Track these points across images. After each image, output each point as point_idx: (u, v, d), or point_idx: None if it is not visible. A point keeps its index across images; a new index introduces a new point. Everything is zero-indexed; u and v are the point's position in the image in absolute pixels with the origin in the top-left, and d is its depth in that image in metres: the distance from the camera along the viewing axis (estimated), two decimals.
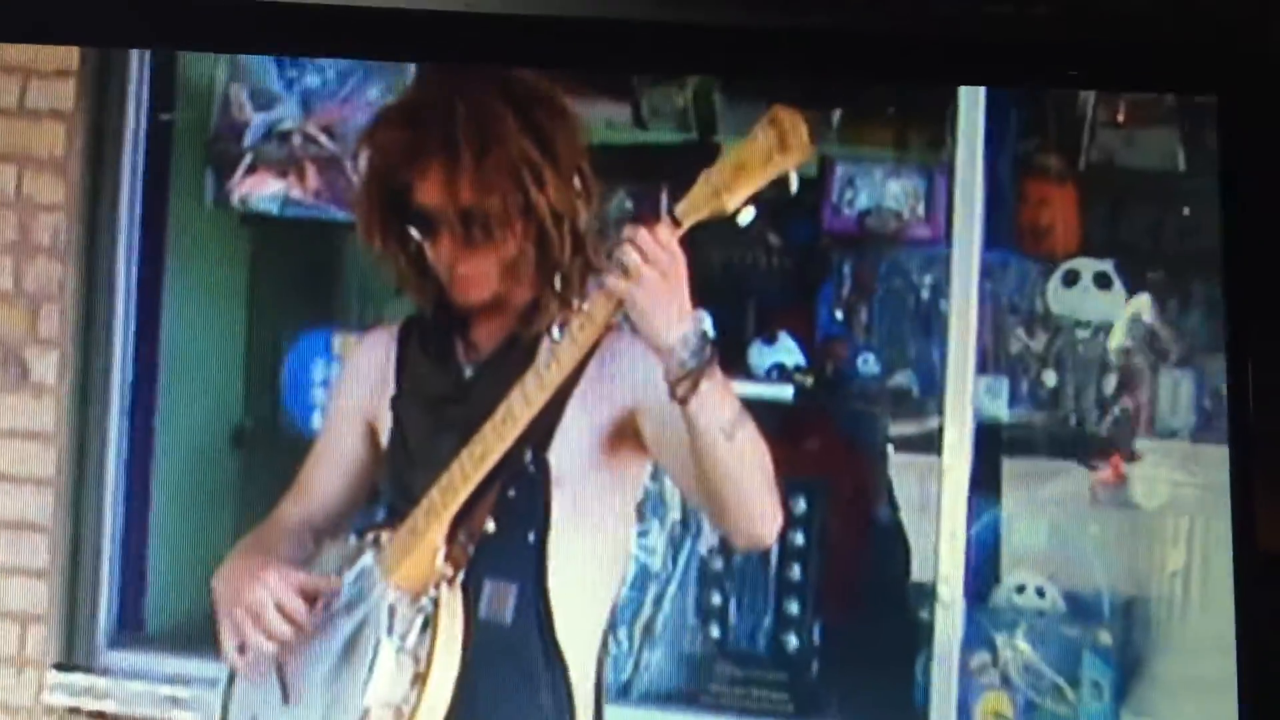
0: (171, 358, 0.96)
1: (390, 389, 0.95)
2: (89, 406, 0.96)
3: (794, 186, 0.87)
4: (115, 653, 0.97)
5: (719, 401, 0.87)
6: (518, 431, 0.88)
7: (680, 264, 0.87)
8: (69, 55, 0.94)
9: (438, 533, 0.89)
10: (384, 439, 0.94)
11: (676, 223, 0.86)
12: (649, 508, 0.97)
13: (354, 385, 0.96)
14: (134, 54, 0.95)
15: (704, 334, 0.87)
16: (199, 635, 0.92)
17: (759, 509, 0.89)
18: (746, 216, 0.87)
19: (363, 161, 0.93)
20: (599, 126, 0.99)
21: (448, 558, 0.89)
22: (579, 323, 0.88)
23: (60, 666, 0.96)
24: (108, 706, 0.94)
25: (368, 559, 0.90)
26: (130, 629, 0.97)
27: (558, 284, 0.91)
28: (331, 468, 0.95)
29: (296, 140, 0.97)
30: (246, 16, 0.88)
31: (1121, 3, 1.00)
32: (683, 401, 0.86)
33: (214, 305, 0.97)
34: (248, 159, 0.98)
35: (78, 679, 0.95)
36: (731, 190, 0.87)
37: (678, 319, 0.87)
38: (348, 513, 0.94)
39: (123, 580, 0.97)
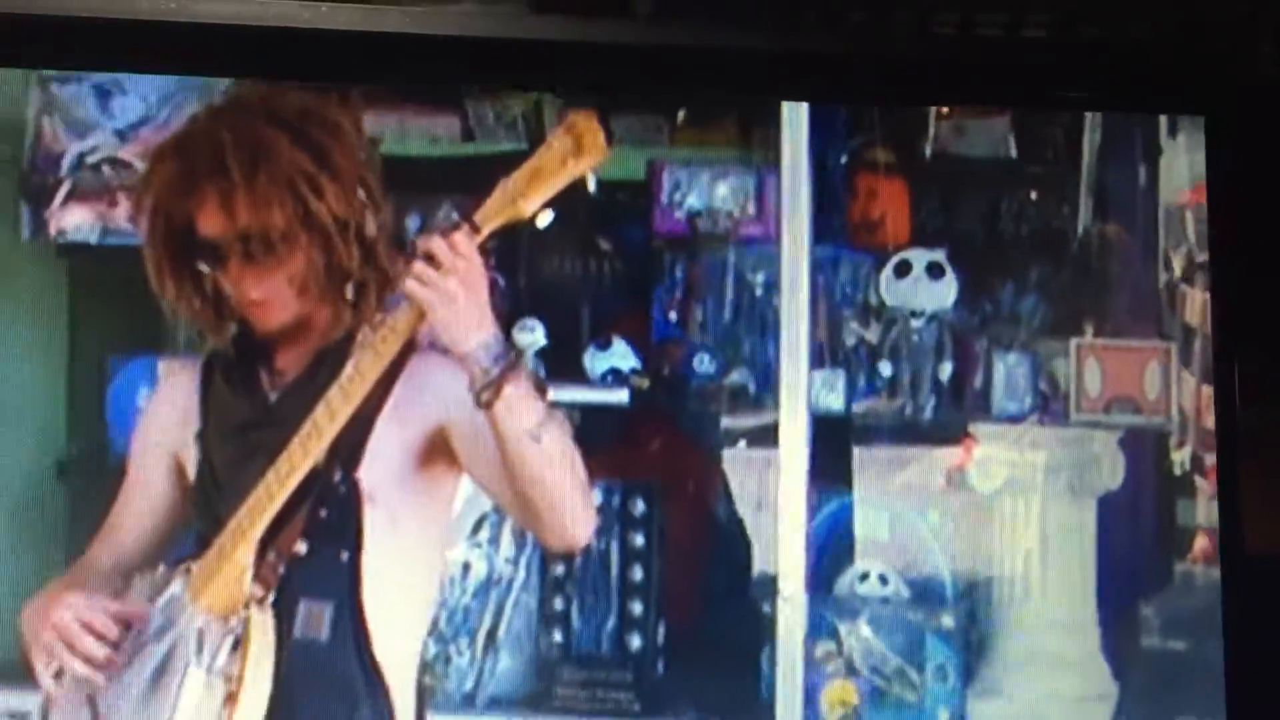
0: None
1: (195, 424, 0.95)
2: None
3: (591, 188, 0.91)
4: None
5: (524, 406, 0.88)
6: (324, 444, 0.89)
7: (478, 270, 0.88)
8: None
9: (245, 553, 0.89)
10: (191, 472, 0.94)
11: (476, 229, 0.88)
12: (489, 519, 0.98)
13: (157, 424, 0.97)
14: None
15: (505, 340, 0.89)
16: (25, 668, 0.92)
17: (570, 511, 0.91)
18: (544, 220, 0.89)
19: (142, 206, 0.93)
20: (423, 140, 1.00)
21: (256, 578, 0.90)
22: (382, 334, 0.89)
23: None
24: None
25: (176, 586, 0.91)
26: None
27: (350, 293, 0.91)
28: (139, 507, 0.95)
29: (111, 169, 0.98)
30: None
31: (1109, 24, 1.01)
32: (487, 406, 0.87)
33: (34, 337, 0.97)
34: (64, 189, 0.98)
35: None
36: (527, 196, 0.88)
37: (478, 325, 0.88)
38: (158, 551, 0.94)
39: None
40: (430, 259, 0.88)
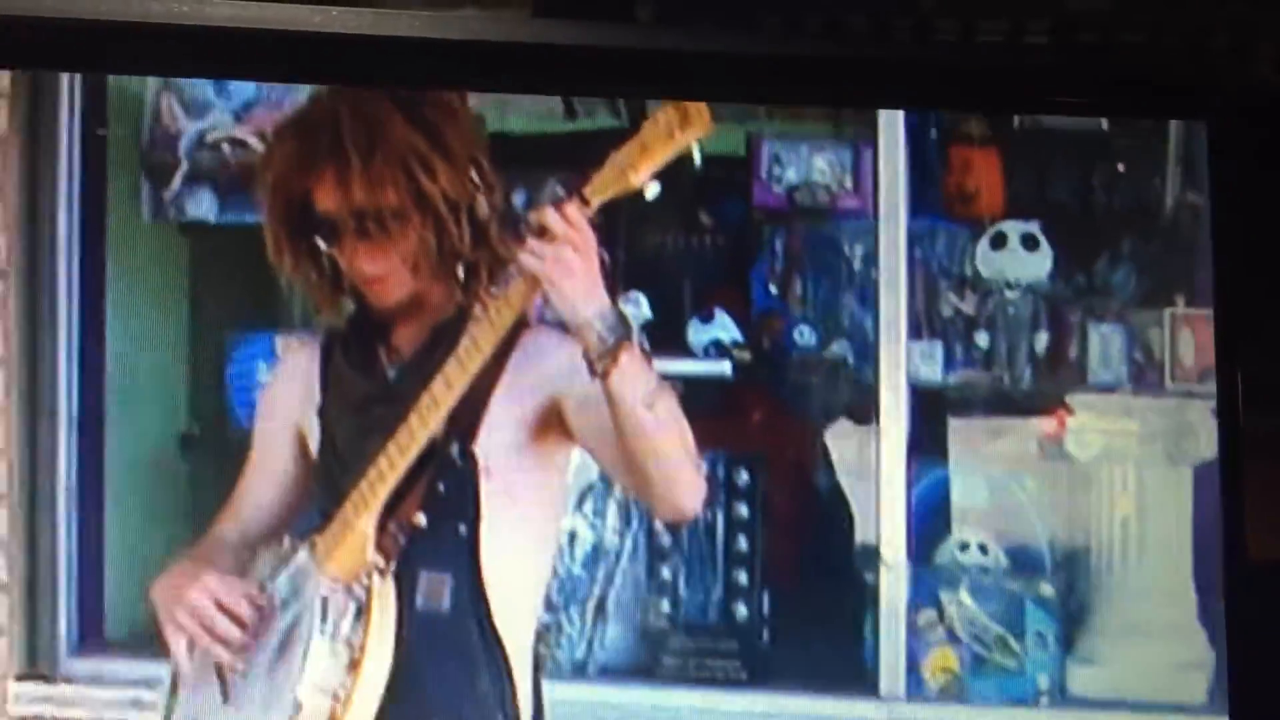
0: (117, 369, 0.98)
1: (316, 400, 0.96)
2: (38, 421, 0.98)
3: (697, 160, 0.91)
4: (76, 660, 0.99)
5: (638, 374, 0.89)
6: (441, 415, 0.90)
7: (591, 241, 0.89)
8: (1, 77, 0.95)
9: (368, 522, 0.91)
10: (313, 448, 0.96)
11: (585, 202, 0.89)
12: (596, 490, 1.00)
13: (279, 401, 0.98)
14: (65, 74, 0.97)
15: (619, 310, 0.90)
16: (156, 639, 0.93)
17: (682, 480, 0.92)
18: (652, 191, 0.89)
19: (263, 182, 0.94)
20: (526, 117, 1.02)
21: (378, 547, 0.92)
22: (496, 306, 0.90)
23: (23, 677, 0.97)
24: (71, 714, 0.97)
25: (301, 557, 0.93)
26: (90, 636, 0.99)
27: (460, 273, 0.93)
28: (264, 483, 0.97)
29: (229, 147, 0.99)
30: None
31: (1112, 31, 1.01)
32: (603, 376, 0.88)
33: (156, 315, 0.99)
34: (183, 168, 1.00)
35: (41, 688, 0.97)
36: (636, 168, 0.89)
37: (592, 295, 0.89)
38: (283, 525, 0.96)
39: (80, 589, 0.98)
40: (544, 231, 0.89)
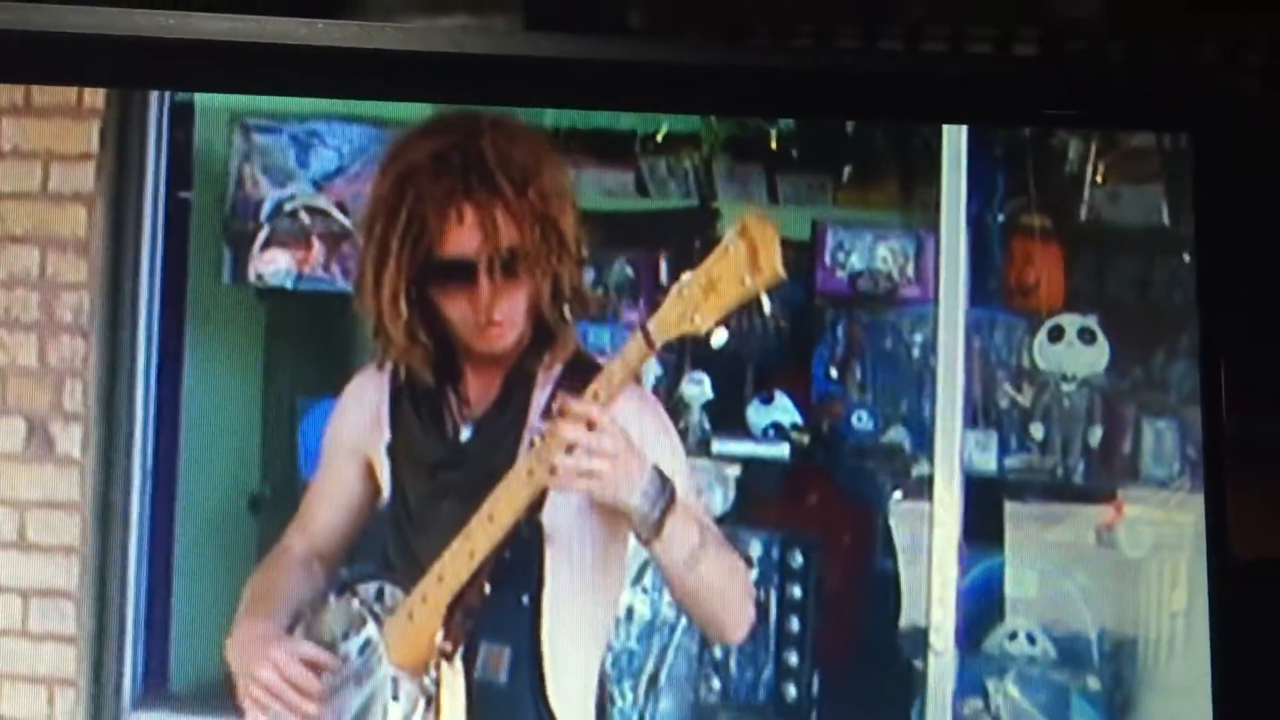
0: (191, 428, 1.00)
1: (385, 433, 0.98)
2: (112, 477, 1.00)
3: (766, 309, 0.93)
4: (140, 714, 1.01)
5: (680, 538, 0.92)
6: (505, 530, 0.93)
7: (618, 435, 0.92)
8: (89, 139, 0.99)
9: (435, 620, 0.93)
10: (382, 482, 0.99)
11: (650, 343, 0.91)
12: (653, 565, 1.01)
13: (349, 421, 1.00)
14: (151, 136, 1.00)
15: (660, 480, 0.92)
16: (220, 695, 0.97)
17: (725, 620, 0.96)
18: (719, 339, 0.93)
19: (394, 222, 0.95)
20: (598, 195, 1.04)
21: (446, 636, 0.93)
22: (536, 454, 0.92)
23: None
24: None
25: (371, 629, 0.95)
26: (155, 690, 1.01)
27: (552, 321, 0.95)
28: (332, 501, 0.99)
29: (307, 216, 1.02)
30: (255, 59, 0.92)
31: (1100, 40, 1.03)
32: (646, 544, 0.92)
33: (231, 377, 1.02)
34: (263, 235, 1.02)
35: None
36: (703, 312, 0.91)
37: (634, 482, 0.92)
38: (350, 544, 0.99)
39: (147, 644, 1.00)
40: (574, 446, 0.91)
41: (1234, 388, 0.95)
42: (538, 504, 0.95)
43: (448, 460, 0.97)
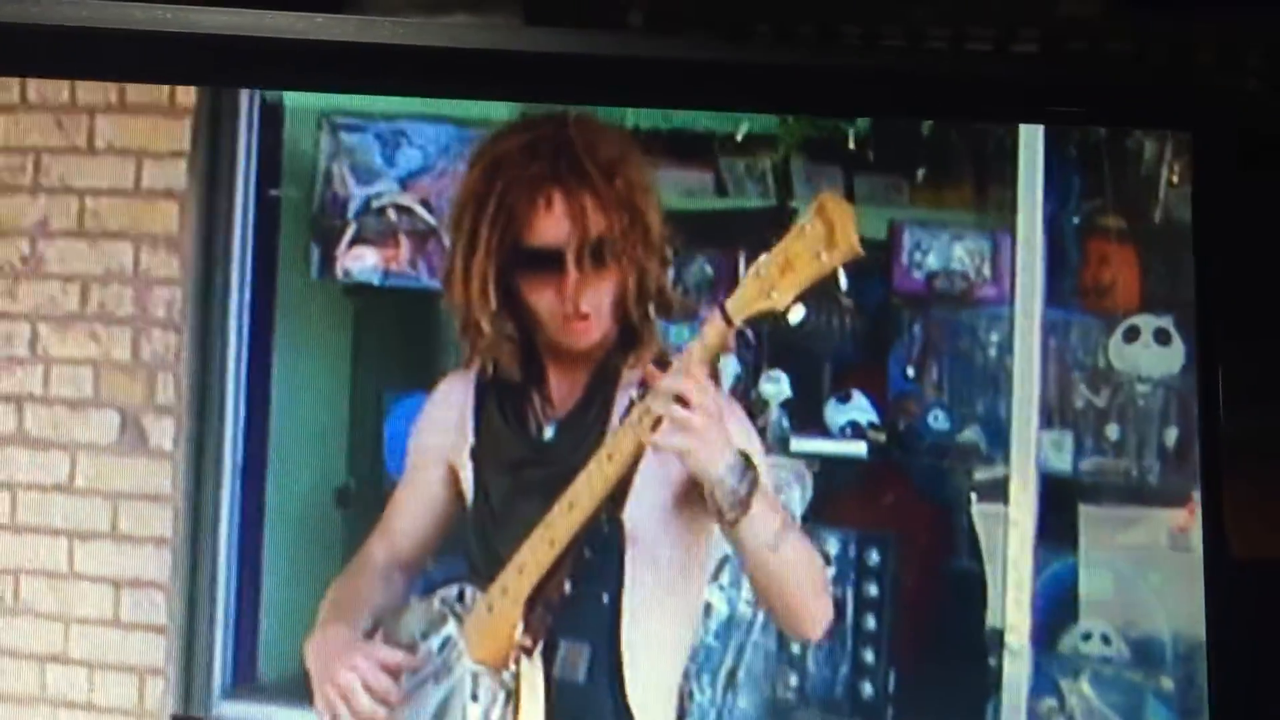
0: (280, 422, 1.02)
1: (470, 439, 0.99)
2: (203, 469, 1.02)
3: (843, 285, 0.94)
4: (230, 703, 1.02)
5: (764, 520, 0.93)
6: (585, 518, 0.93)
7: (715, 398, 0.93)
8: (181, 137, 1.01)
9: (515, 612, 0.94)
10: (466, 488, 0.99)
11: (729, 321, 0.92)
12: (731, 561, 1.02)
13: (434, 427, 1.01)
14: (242, 135, 1.02)
15: (745, 460, 0.92)
16: (309, 686, 0.99)
17: (805, 612, 0.96)
18: (797, 315, 0.94)
19: (484, 211, 0.97)
20: (679, 194, 1.05)
21: (526, 630, 0.94)
22: (636, 415, 0.93)
23: (178, 718, 1.01)
24: None
25: (451, 628, 0.96)
26: (244, 681, 1.02)
27: (636, 319, 0.96)
28: (415, 508, 1.00)
29: (394, 214, 1.03)
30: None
31: (1101, 39, 1.03)
32: (732, 525, 0.92)
33: (320, 372, 1.03)
34: (350, 232, 1.04)
35: None
36: (780, 289, 0.92)
37: (722, 451, 0.92)
38: (432, 551, 1.00)
39: (236, 634, 1.02)
40: (672, 398, 0.92)
41: (1232, 388, 0.96)
42: (619, 500, 0.96)
43: (530, 459, 0.98)
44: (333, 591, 0.99)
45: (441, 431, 1.00)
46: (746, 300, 0.93)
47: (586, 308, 0.96)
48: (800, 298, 0.94)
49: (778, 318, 0.95)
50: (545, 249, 0.96)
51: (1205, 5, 1.07)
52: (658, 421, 0.94)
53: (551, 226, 0.96)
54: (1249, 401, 0.94)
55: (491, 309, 0.97)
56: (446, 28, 0.96)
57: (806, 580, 0.97)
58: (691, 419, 0.93)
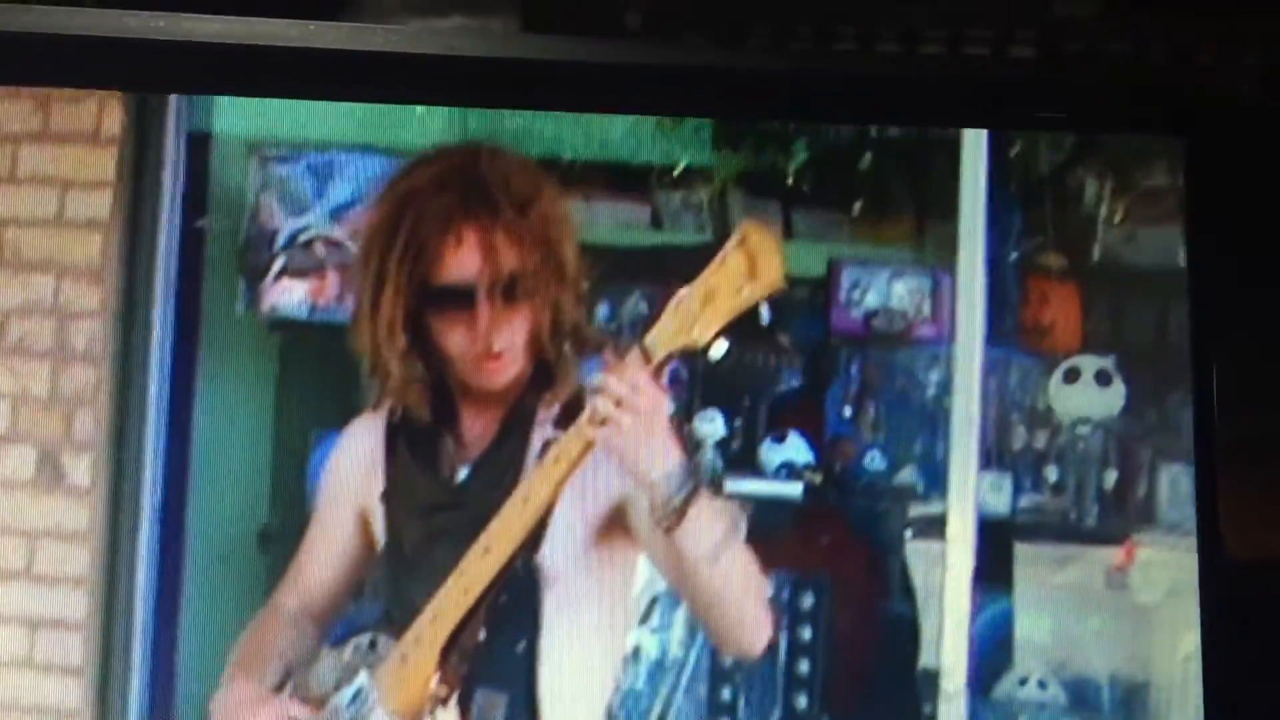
0: (201, 460, 1.01)
1: (381, 482, 0.98)
2: (121, 507, 1.01)
3: (765, 319, 0.93)
4: None
5: (703, 529, 0.92)
6: (499, 564, 0.92)
7: (656, 401, 0.92)
8: (106, 166, 1.00)
9: (429, 661, 0.93)
10: (378, 533, 0.98)
11: (647, 357, 0.91)
12: (661, 602, 1.01)
13: (344, 471, 1.00)
14: (168, 163, 1.01)
15: (686, 464, 0.91)
16: None
17: (744, 624, 0.94)
18: (718, 351, 0.92)
19: (391, 246, 0.96)
20: (614, 227, 1.04)
21: (441, 680, 0.93)
22: (554, 456, 0.92)
23: None
24: None
25: (363, 678, 0.94)
26: None
27: (552, 356, 0.95)
28: (326, 556, 0.99)
29: (322, 247, 1.02)
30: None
31: (1098, 41, 1.03)
32: (668, 531, 0.91)
33: (243, 408, 1.02)
34: (278, 265, 1.03)
35: None
36: (701, 323, 0.91)
37: (661, 456, 0.91)
38: (344, 600, 0.99)
39: (153, 676, 1.01)
40: (607, 395, 0.91)
41: (1225, 391, 0.96)
42: (535, 542, 0.95)
43: (444, 503, 0.97)
44: (240, 645, 0.98)
45: (352, 475, 0.99)
46: (667, 335, 0.93)
47: (499, 346, 0.96)
48: (722, 332, 0.93)
49: (699, 353, 0.92)
50: (456, 286, 0.95)
51: (1204, 6, 1.07)
52: (603, 421, 0.92)
53: (462, 263, 0.95)
54: (1241, 403, 0.93)
55: (401, 348, 0.96)
56: (441, 35, 0.95)
57: (746, 593, 0.96)
58: (622, 417, 0.90)
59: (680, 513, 0.92)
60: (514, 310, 0.96)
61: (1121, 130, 1.04)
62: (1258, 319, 0.97)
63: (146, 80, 1.00)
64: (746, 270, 0.92)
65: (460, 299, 0.96)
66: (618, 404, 0.92)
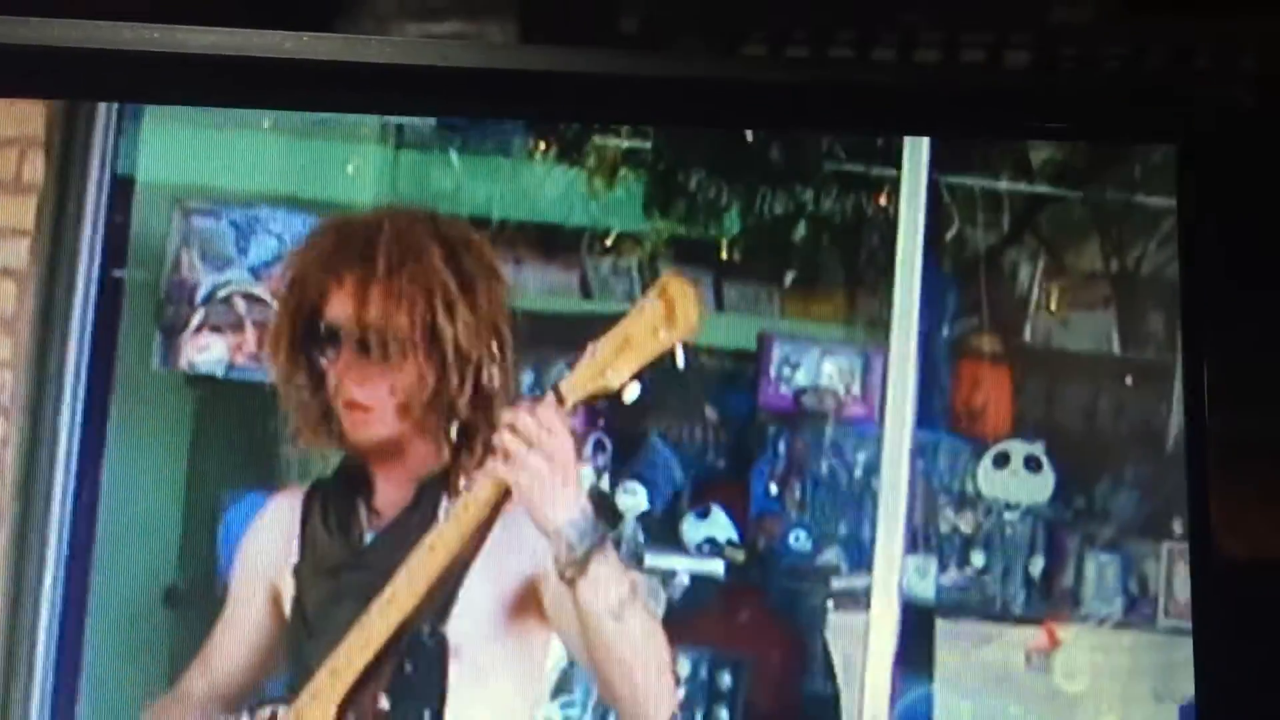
0: (110, 516, 1.00)
1: (294, 556, 0.97)
2: (25, 559, 1.00)
3: (680, 361, 0.92)
4: None
5: (608, 584, 0.91)
6: (403, 615, 0.91)
7: (564, 445, 0.91)
8: (25, 215, 1.00)
9: (325, 714, 0.91)
10: (286, 606, 0.97)
11: (561, 400, 0.91)
12: (577, 678, 1.00)
13: (256, 551, 0.99)
14: (89, 213, 0.99)
15: (593, 516, 0.91)
16: None
17: (646, 692, 0.92)
18: (631, 394, 0.91)
19: (286, 276, 0.97)
20: (542, 294, 1.05)
21: None
22: (464, 503, 0.92)
23: None
24: None
25: None
26: None
27: (453, 433, 0.94)
28: (236, 639, 0.98)
29: (242, 302, 1.02)
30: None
31: (1092, 46, 1.04)
32: (570, 583, 0.90)
33: (155, 465, 1.01)
34: (196, 319, 1.03)
35: None
36: (616, 367, 0.91)
37: (565, 502, 0.91)
38: (254, 685, 0.97)
39: None
40: (514, 435, 0.90)
41: (1218, 393, 0.96)
42: (443, 612, 0.94)
43: (349, 561, 0.96)
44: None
45: (265, 554, 0.98)
46: (581, 380, 0.93)
47: (361, 396, 0.96)
48: (636, 376, 0.93)
49: (612, 396, 0.93)
50: (330, 326, 0.96)
51: (1200, 11, 1.08)
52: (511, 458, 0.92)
53: (336, 306, 0.96)
54: (1233, 405, 0.93)
55: (291, 378, 0.97)
56: (437, 47, 0.94)
57: (648, 658, 0.94)
58: (528, 457, 0.90)
59: (583, 565, 0.91)
60: (378, 360, 0.95)
61: (1112, 137, 1.04)
62: (1250, 320, 0.97)
63: (142, 93, 1.00)
64: (665, 315, 0.92)
65: (332, 341, 0.96)
66: (529, 444, 0.89)
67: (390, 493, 0.97)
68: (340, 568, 0.96)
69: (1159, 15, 1.11)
